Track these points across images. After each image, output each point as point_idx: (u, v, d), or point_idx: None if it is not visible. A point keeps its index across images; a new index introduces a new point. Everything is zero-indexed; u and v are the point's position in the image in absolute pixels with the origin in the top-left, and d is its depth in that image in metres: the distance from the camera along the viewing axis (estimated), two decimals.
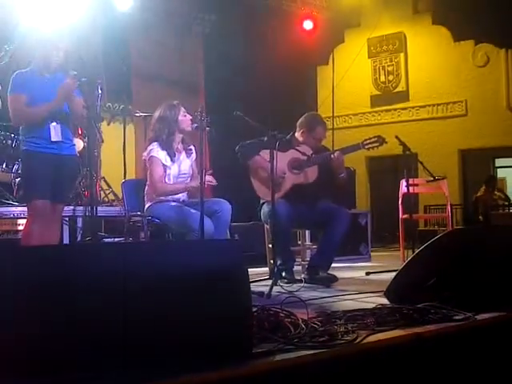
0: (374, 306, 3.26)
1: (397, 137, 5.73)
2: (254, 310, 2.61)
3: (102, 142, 4.50)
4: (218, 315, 2.21)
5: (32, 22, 6.64)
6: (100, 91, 6.96)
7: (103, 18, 9.11)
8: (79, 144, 6.27)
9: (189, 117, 4.87)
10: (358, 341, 2.51)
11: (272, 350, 2.33)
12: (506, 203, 12.44)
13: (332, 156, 5.13)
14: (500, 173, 14.13)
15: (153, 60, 10.38)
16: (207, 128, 4.50)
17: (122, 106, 7.99)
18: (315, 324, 2.71)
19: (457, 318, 2.98)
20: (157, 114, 4.94)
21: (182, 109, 4.93)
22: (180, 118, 4.89)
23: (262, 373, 2.18)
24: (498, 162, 14.37)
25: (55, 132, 4.51)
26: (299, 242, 6.11)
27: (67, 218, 6.11)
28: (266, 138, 4.92)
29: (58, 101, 4.44)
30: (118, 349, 2.03)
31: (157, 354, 2.08)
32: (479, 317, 3.02)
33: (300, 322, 2.66)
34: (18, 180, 6.20)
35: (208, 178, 4.57)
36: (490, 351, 2.95)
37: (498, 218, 11.44)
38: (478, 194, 12.22)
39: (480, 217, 11.86)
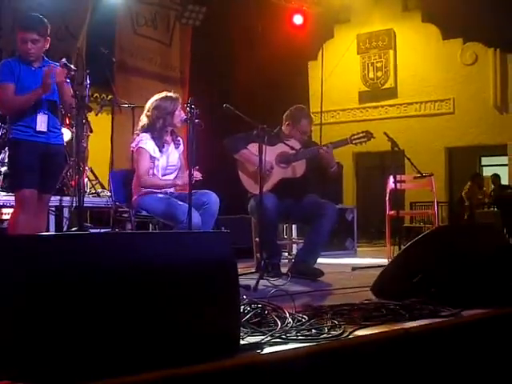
0: (360, 300, 3.26)
1: (385, 133, 5.75)
2: (241, 303, 2.60)
3: (91, 132, 4.47)
4: (206, 308, 2.20)
5: (23, 9, 6.60)
6: (88, 81, 6.93)
7: (91, 7, 9.04)
8: (67, 134, 6.23)
9: (183, 114, 4.80)
10: (345, 335, 2.51)
11: (259, 344, 2.32)
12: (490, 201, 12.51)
13: (320, 150, 5.14)
14: (486, 171, 14.23)
15: (140, 51, 10.30)
16: (196, 120, 4.47)
17: (110, 96, 7.94)
18: (302, 318, 2.71)
19: (443, 314, 2.99)
20: (155, 102, 4.88)
21: (180, 104, 4.89)
22: (176, 112, 4.85)
23: (249, 366, 2.18)
24: (484, 160, 14.47)
25: (41, 121, 4.47)
26: (286, 236, 6.12)
27: (54, 208, 6.08)
28: (254, 132, 4.92)
29: (43, 87, 4.38)
30: (103, 341, 2.02)
31: (142, 346, 2.07)
32: (465, 313, 3.03)
33: (287, 315, 2.66)
34: (4, 169, 6.15)
35: (195, 173, 4.55)
36: (475, 347, 2.96)
37: (481, 217, 11.53)
38: (464, 192, 12.29)
39: (465, 214, 11.94)
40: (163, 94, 4.93)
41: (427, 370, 2.73)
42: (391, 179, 6.63)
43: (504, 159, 13.83)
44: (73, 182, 6.41)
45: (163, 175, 4.87)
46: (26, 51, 4.42)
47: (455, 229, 4.13)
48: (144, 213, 4.80)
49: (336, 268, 5.87)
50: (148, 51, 10.42)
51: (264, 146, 4.71)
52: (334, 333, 2.53)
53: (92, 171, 7.41)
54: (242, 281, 4.29)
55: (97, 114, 7.78)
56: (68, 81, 4.46)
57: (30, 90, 4.40)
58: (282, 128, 5.39)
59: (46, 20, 4.49)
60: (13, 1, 7.54)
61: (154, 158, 4.81)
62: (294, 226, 6.30)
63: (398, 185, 6.42)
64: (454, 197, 13.51)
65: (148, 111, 4.89)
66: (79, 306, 1.99)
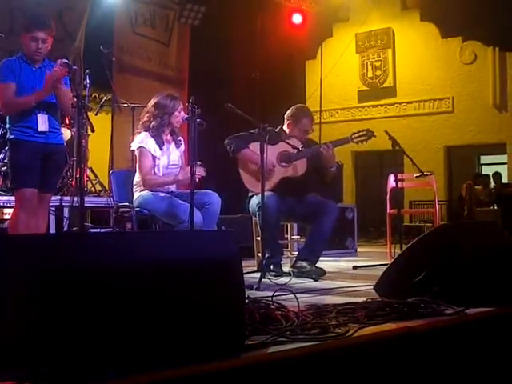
0: (363, 299, 3.25)
1: (386, 131, 5.74)
2: (245, 302, 2.59)
3: (93, 131, 4.45)
4: (211, 307, 2.20)
5: (21, 8, 6.59)
6: (88, 80, 6.92)
7: (89, 7, 9.03)
8: (66, 133, 6.22)
9: (183, 114, 4.80)
10: (349, 334, 2.50)
11: (264, 342, 2.32)
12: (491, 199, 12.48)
13: (321, 149, 5.12)
14: (485, 170, 14.20)
15: (138, 51, 10.29)
16: (198, 120, 4.46)
17: (109, 96, 7.94)
18: (306, 317, 2.70)
19: (447, 312, 2.98)
20: (156, 99, 4.88)
21: (181, 105, 4.88)
22: (176, 112, 4.84)
23: (255, 365, 2.18)
24: (484, 159, 14.46)
25: (42, 122, 4.46)
26: (286, 236, 6.10)
27: (54, 208, 6.06)
28: (256, 131, 4.91)
29: (45, 90, 4.38)
30: (110, 341, 2.00)
31: (149, 346, 2.06)
32: (469, 311, 3.03)
33: (291, 314, 2.65)
34: (4, 169, 6.14)
35: (198, 169, 4.54)
36: (479, 345, 2.96)
37: (481, 215, 11.50)
38: (464, 191, 12.26)
39: (465, 213, 11.92)
40: (166, 92, 4.93)
41: (431, 368, 2.73)
42: (392, 178, 6.62)
43: (503, 158, 13.81)
44: (73, 182, 6.40)
45: (164, 174, 4.86)
46: (34, 50, 4.41)
47: (458, 227, 4.10)
48: (145, 212, 4.79)
49: (337, 267, 5.86)
50: (147, 51, 10.42)
51: (266, 145, 4.70)
52: (338, 331, 2.52)
53: (92, 171, 7.40)
54: (244, 280, 4.29)
55: (96, 114, 7.78)
56: (68, 81, 4.46)
57: (30, 90, 4.39)
58: (283, 127, 5.37)
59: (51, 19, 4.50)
60: (10, 0, 7.53)
61: (155, 157, 4.80)
62: (294, 224, 6.28)
63: (399, 183, 6.41)
64: (453, 195, 13.50)
65: (148, 109, 4.90)
66: (81, 307, 1.98)
